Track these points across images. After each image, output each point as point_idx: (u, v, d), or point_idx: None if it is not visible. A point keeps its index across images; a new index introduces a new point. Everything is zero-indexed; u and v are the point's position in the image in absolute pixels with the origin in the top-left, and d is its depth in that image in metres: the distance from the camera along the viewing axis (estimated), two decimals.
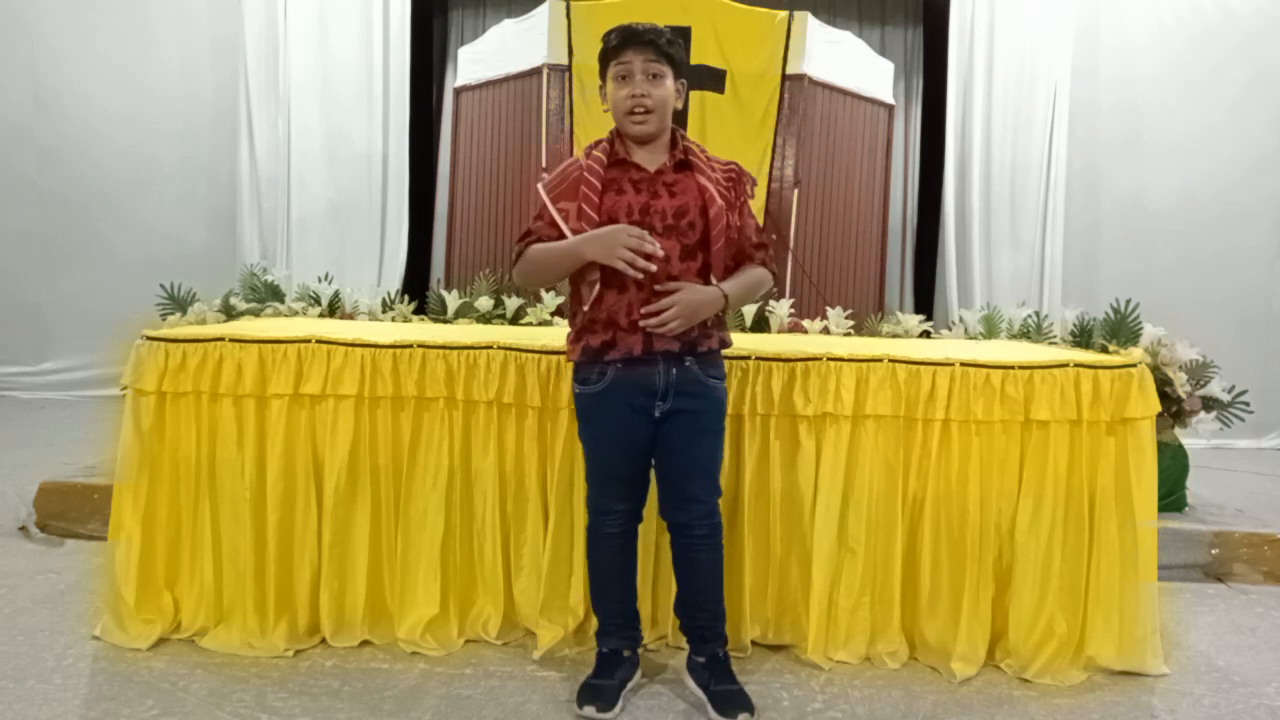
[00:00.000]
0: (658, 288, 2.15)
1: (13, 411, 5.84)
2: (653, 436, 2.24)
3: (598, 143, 2.28)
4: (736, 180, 2.29)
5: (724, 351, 2.34)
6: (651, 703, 2.36)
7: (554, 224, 2.21)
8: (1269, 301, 5.97)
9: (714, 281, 2.21)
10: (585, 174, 2.20)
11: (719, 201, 2.20)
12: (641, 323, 2.15)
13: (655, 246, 2.10)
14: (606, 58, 2.23)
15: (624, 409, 2.21)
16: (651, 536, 2.60)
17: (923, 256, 6.18)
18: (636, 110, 2.18)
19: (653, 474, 2.33)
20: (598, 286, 2.17)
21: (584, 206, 2.17)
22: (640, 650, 2.45)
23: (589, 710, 2.24)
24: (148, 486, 2.60)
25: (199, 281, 4.38)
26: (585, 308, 2.22)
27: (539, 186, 2.27)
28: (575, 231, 2.17)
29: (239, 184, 5.83)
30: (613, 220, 2.17)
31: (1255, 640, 2.91)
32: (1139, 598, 2.59)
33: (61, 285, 6.31)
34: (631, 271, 2.09)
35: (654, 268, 2.10)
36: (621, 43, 2.20)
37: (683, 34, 4.52)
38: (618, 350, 2.18)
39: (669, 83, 2.21)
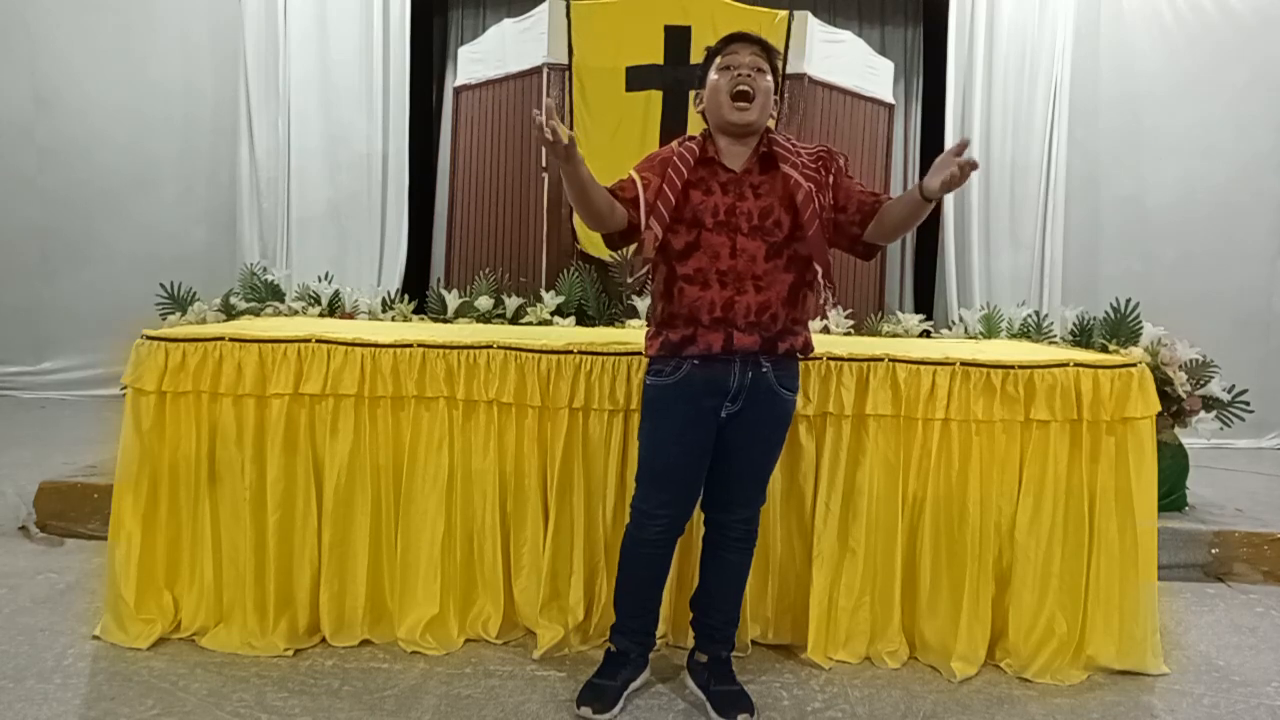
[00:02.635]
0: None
1: (13, 411, 5.84)
2: (714, 438, 2.23)
3: (690, 136, 2.27)
4: (826, 158, 2.25)
5: None
6: (652, 702, 2.36)
7: (632, 185, 2.17)
8: (1269, 301, 5.96)
9: (815, 267, 2.16)
10: (675, 159, 2.19)
11: (805, 185, 2.17)
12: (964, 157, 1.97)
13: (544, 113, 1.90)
14: (713, 56, 2.23)
15: (691, 407, 2.20)
16: None
17: (923, 256, 6.17)
18: (740, 89, 2.15)
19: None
20: (647, 266, 2.18)
21: (666, 189, 2.15)
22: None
23: (585, 711, 2.25)
24: (148, 486, 2.60)
25: (199, 281, 4.39)
26: (630, 279, 2.22)
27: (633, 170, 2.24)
28: (649, 204, 2.14)
29: (239, 184, 5.82)
30: (697, 220, 2.16)
31: (1255, 640, 2.91)
32: (1139, 597, 2.59)
33: (61, 285, 6.30)
34: (548, 135, 1.89)
35: (556, 123, 1.91)
36: (729, 40, 2.22)
37: (683, 34, 4.53)
38: (697, 346, 2.17)
39: (771, 81, 2.20)
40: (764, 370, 2.20)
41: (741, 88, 2.16)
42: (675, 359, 2.20)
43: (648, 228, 2.15)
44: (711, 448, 2.23)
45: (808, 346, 2.28)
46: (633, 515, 2.31)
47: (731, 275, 2.15)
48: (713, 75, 2.22)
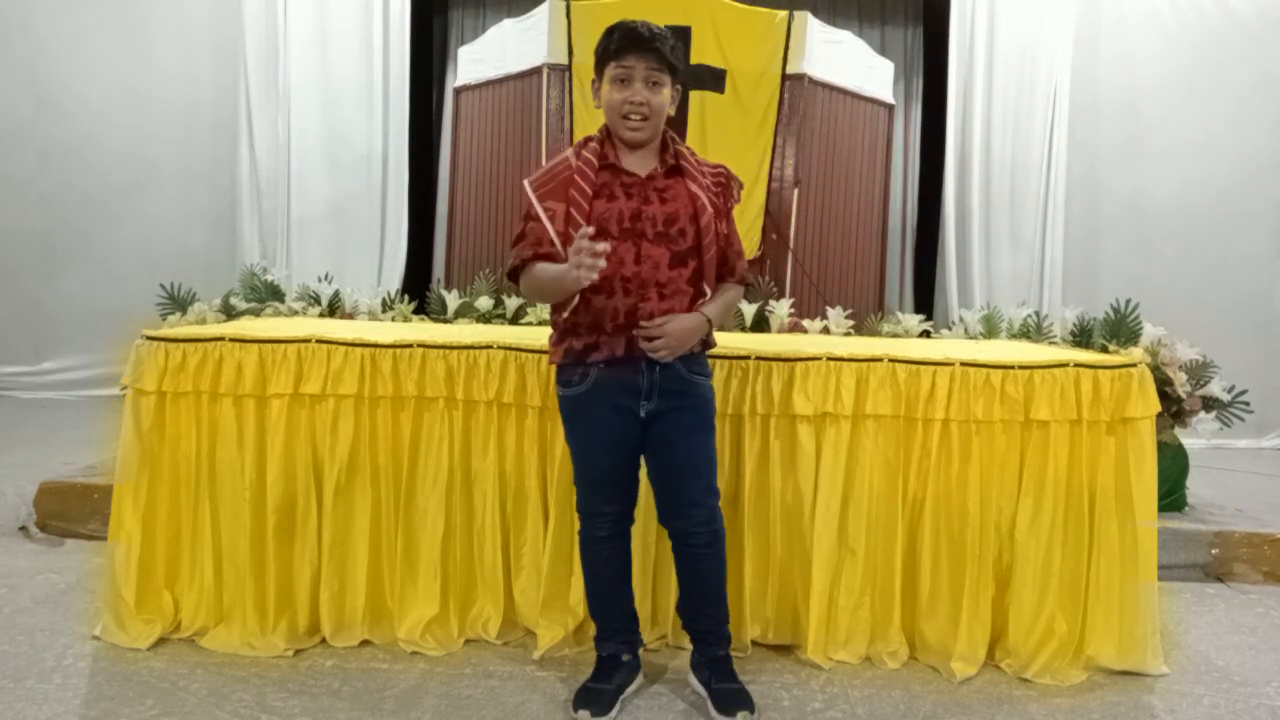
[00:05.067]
0: (645, 324, 2.13)
1: (13, 411, 5.84)
2: (639, 437, 2.23)
3: (586, 141, 2.24)
4: (725, 185, 2.27)
5: (723, 350, 2.33)
6: (651, 703, 2.36)
7: (543, 229, 2.15)
8: (1269, 301, 5.97)
9: (706, 289, 2.21)
10: (576, 176, 2.16)
11: (709, 210, 2.19)
12: (640, 344, 2.13)
13: (600, 246, 2.01)
14: (606, 57, 2.18)
15: (608, 409, 2.20)
16: (650, 536, 2.60)
17: (923, 256, 6.18)
18: (633, 116, 2.15)
19: (644, 478, 2.33)
20: (577, 295, 2.14)
21: (573, 212, 2.14)
22: (640, 652, 2.44)
23: (582, 715, 2.24)
24: (148, 486, 2.60)
25: (199, 281, 4.38)
26: (565, 314, 2.19)
27: (525, 182, 2.21)
28: (562, 235, 2.13)
29: (239, 184, 5.83)
30: (603, 229, 2.12)
31: (1255, 640, 2.91)
32: (1139, 597, 2.59)
33: (61, 285, 6.31)
34: (593, 276, 2.01)
35: (603, 263, 2.01)
36: (624, 46, 2.15)
37: (683, 34, 4.53)
38: (600, 352, 2.17)
39: (667, 91, 2.19)
40: (671, 364, 2.18)
41: (633, 114, 2.15)
42: (581, 366, 2.20)
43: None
44: (639, 445, 2.24)
45: (708, 345, 2.28)
46: (580, 519, 2.33)
47: (635, 282, 2.14)
48: (607, 86, 2.19)
